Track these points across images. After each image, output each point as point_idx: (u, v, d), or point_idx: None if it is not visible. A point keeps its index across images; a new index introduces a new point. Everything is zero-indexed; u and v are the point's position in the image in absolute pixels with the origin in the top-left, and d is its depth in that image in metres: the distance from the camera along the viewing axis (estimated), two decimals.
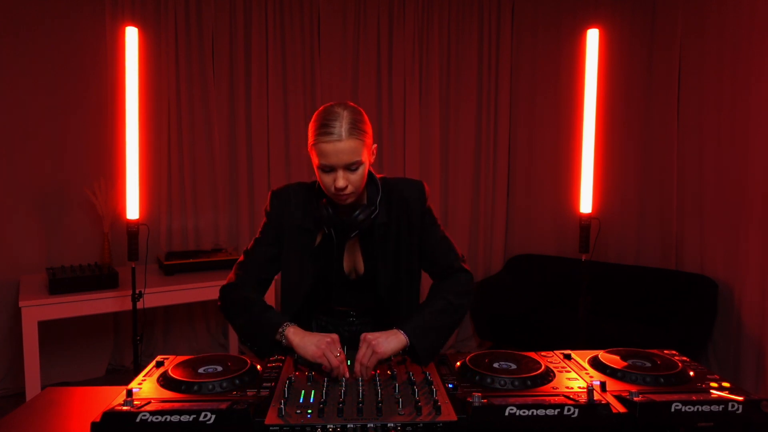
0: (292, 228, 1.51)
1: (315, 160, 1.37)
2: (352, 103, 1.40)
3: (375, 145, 1.45)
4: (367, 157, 1.39)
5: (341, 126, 1.31)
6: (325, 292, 1.57)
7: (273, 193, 1.54)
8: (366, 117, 1.41)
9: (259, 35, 3.80)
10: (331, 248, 1.50)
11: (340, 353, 1.27)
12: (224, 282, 1.54)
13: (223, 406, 1.02)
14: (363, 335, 1.31)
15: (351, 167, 1.34)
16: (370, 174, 1.49)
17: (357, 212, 1.43)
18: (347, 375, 1.26)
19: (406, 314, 1.52)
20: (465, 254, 1.62)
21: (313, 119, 1.38)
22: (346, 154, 1.32)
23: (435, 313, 1.41)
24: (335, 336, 1.31)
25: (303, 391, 1.16)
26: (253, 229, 3.93)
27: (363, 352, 1.28)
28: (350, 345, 1.39)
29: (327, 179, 1.36)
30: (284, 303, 1.56)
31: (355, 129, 1.33)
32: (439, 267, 1.55)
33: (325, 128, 1.32)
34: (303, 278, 1.52)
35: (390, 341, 1.31)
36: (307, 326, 1.58)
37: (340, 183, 1.34)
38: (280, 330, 1.35)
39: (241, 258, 1.56)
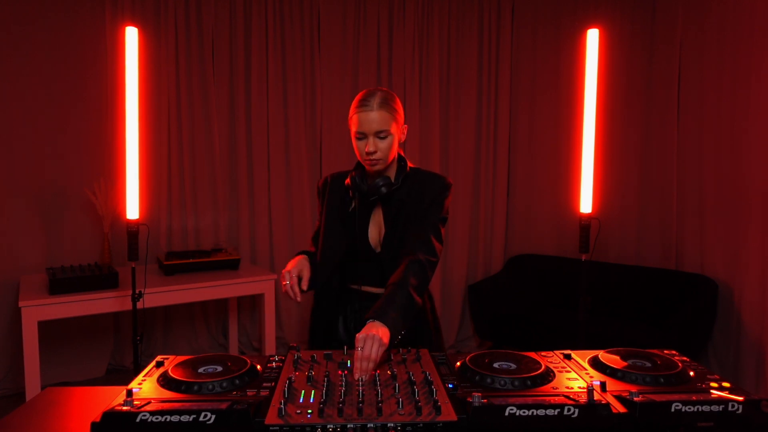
0: (332, 202, 1.75)
1: (352, 130, 1.62)
2: (386, 89, 1.65)
3: (406, 126, 1.70)
4: (396, 131, 1.62)
5: (375, 100, 1.59)
6: (355, 265, 1.72)
7: (323, 180, 1.83)
8: (399, 100, 1.66)
9: (259, 35, 3.80)
10: (357, 213, 1.69)
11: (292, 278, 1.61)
12: None
13: (223, 406, 1.02)
14: (360, 335, 1.31)
15: (380, 135, 1.59)
16: (400, 156, 1.71)
17: (378, 180, 1.64)
18: (298, 298, 1.59)
19: None
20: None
21: (355, 98, 1.64)
22: (376, 122, 1.57)
23: (402, 307, 1.48)
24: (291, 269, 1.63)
25: (303, 391, 1.16)
26: (253, 229, 3.94)
27: (369, 348, 1.28)
28: None
29: (360, 145, 1.61)
30: (320, 267, 1.72)
31: (386, 104, 1.59)
32: (408, 246, 1.62)
33: (362, 101, 1.60)
34: (338, 241, 1.72)
35: (385, 333, 1.36)
36: (337, 299, 1.76)
37: (370, 147, 1.58)
38: None
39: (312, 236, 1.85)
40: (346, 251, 1.71)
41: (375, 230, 1.71)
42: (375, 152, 1.59)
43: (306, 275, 1.67)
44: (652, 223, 3.97)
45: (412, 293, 1.52)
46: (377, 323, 1.39)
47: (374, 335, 1.31)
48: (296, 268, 1.66)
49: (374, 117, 1.57)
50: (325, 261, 1.72)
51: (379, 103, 1.58)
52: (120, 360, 3.66)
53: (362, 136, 1.60)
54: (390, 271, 1.61)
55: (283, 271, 1.64)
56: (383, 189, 1.63)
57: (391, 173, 1.69)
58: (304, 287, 1.66)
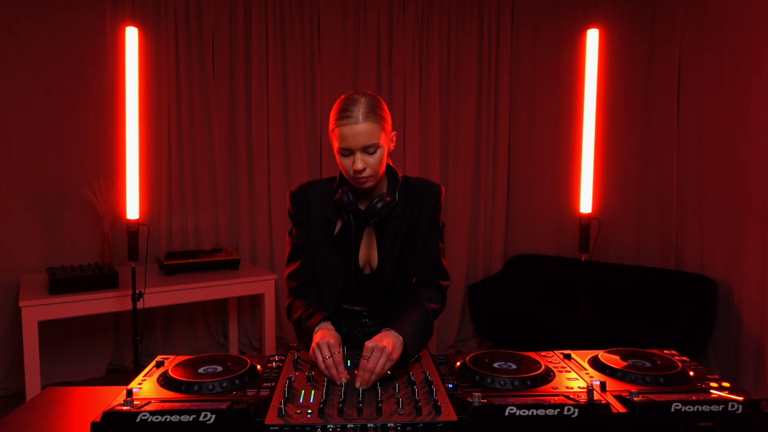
0: (315, 220, 1.55)
1: (335, 145, 1.43)
2: (371, 92, 1.46)
3: (394, 133, 1.51)
4: (385, 142, 1.44)
5: (359, 110, 1.38)
6: (347, 288, 1.58)
7: (291, 194, 1.59)
8: (384, 105, 1.46)
9: (259, 35, 3.80)
10: (349, 236, 1.52)
11: (328, 356, 1.25)
12: (285, 302, 1.61)
13: (223, 406, 1.02)
14: (369, 344, 1.25)
15: (368, 150, 1.40)
16: (389, 166, 1.55)
17: (376, 200, 1.47)
18: (341, 379, 1.22)
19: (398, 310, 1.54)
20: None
21: (334, 107, 1.44)
22: (363, 136, 1.38)
23: (421, 324, 1.44)
24: (331, 340, 1.28)
25: (303, 391, 1.16)
26: (253, 229, 3.93)
27: (375, 360, 1.22)
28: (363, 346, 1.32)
29: (346, 162, 1.42)
30: (323, 297, 1.57)
31: (372, 113, 1.39)
32: (423, 274, 1.58)
33: (344, 113, 1.39)
34: (337, 267, 1.54)
35: (397, 345, 1.29)
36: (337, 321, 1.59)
37: (359, 165, 1.39)
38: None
39: (288, 269, 1.59)
40: (343, 276, 1.55)
41: (364, 252, 1.56)
42: (364, 169, 1.40)
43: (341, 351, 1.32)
44: (652, 223, 3.97)
45: (431, 318, 1.49)
46: (392, 333, 1.31)
47: (384, 347, 1.24)
48: (336, 341, 1.30)
49: (360, 130, 1.37)
50: (325, 290, 1.57)
51: (365, 113, 1.38)
52: (120, 360, 3.66)
53: (348, 152, 1.40)
54: (385, 293, 1.57)
55: (316, 342, 1.29)
56: (383, 210, 1.47)
57: (383, 187, 1.54)
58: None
